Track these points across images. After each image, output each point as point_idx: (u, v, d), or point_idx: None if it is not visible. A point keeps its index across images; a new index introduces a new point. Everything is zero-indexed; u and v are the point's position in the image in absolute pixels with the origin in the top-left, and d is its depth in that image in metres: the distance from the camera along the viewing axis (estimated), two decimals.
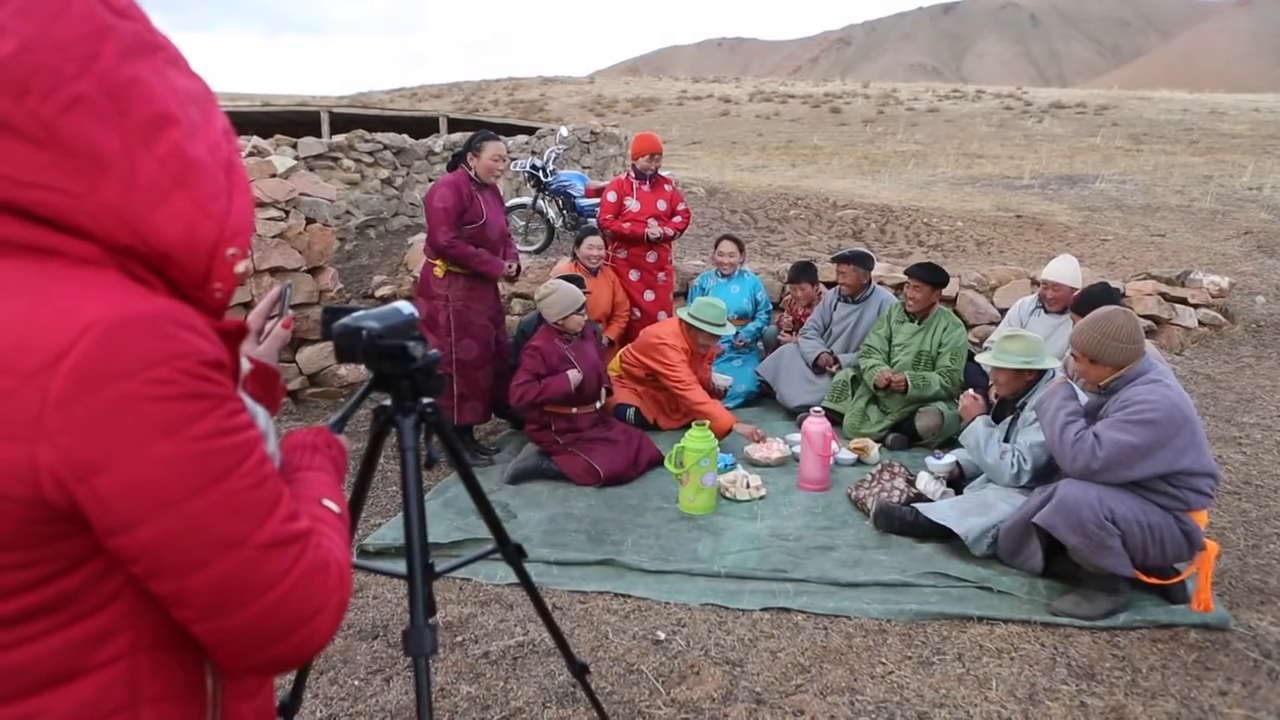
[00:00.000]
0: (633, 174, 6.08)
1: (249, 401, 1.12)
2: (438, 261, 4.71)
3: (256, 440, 0.84)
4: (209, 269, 0.86)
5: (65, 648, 0.80)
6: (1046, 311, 5.12)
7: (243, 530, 0.80)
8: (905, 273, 5.39)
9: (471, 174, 4.67)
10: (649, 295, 6.14)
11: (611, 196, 6.03)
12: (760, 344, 6.51)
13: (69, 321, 0.74)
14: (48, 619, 0.79)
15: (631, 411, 5.30)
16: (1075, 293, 5.06)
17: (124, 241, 0.80)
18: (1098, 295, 4.51)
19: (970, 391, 4.11)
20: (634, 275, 6.09)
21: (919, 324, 5.31)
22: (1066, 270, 5.07)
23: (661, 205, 6.06)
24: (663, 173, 6.20)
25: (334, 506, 1.03)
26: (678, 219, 6.15)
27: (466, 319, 4.74)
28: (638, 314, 6.10)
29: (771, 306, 6.68)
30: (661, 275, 6.19)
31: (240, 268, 0.89)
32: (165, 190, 0.81)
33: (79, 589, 0.80)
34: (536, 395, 4.50)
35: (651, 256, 6.10)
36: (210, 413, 0.79)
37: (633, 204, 6.00)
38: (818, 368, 5.78)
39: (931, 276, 5.22)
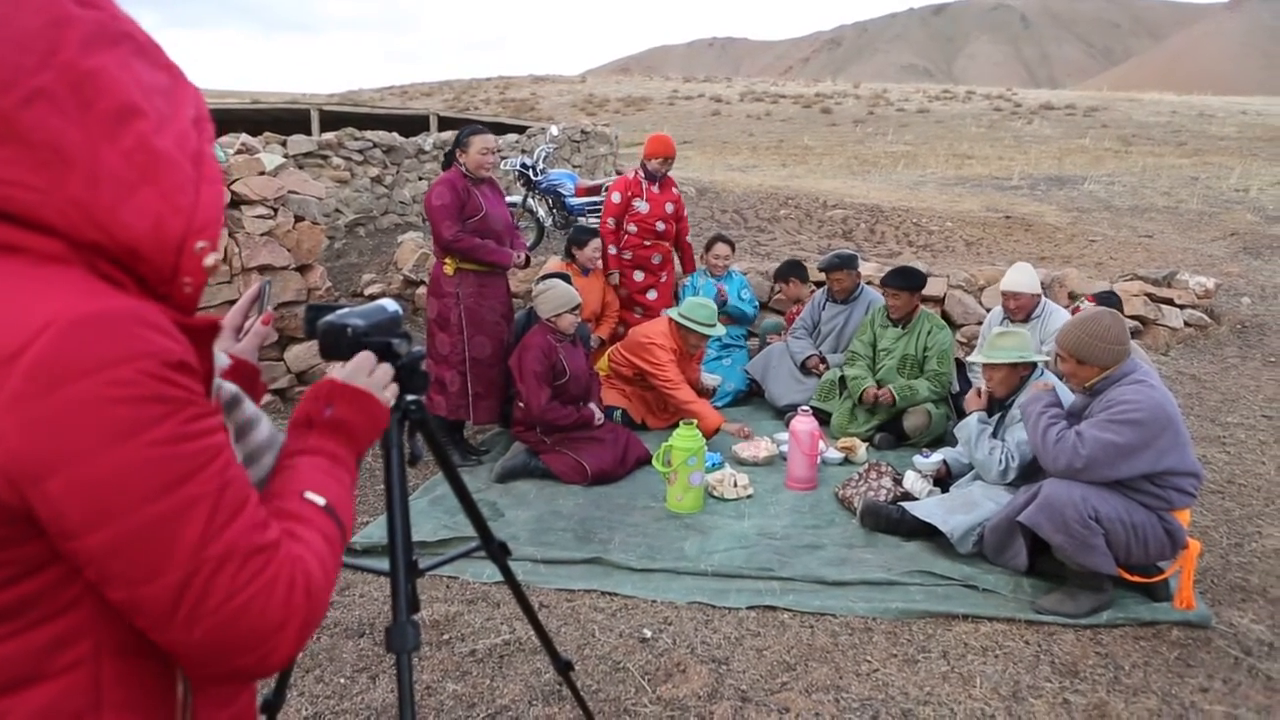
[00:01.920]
0: (642, 174, 6.06)
1: (251, 407, 1.10)
2: (447, 260, 4.69)
3: (220, 446, 0.82)
4: (177, 264, 0.84)
5: (24, 653, 0.78)
6: (1013, 321, 5.15)
7: (198, 541, 0.77)
8: (881, 282, 5.39)
9: (463, 170, 4.66)
10: (652, 294, 6.15)
11: (616, 197, 6.01)
12: (756, 340, 6.54)
13: (28, 319, 0.73)
14: (6, 624, 0.77)
15: (619, 413, 5.31)
16: (1036, 298, 5.10)
17: (89, 237, 0.79)
18: (1113, 305, 4.59)
19: (977, 387, 4.13)
20: (639, 275, 6.09)
21: (903, 328, 5.32)
22: (1024, 279, 5.11)
23: (669, 208, 6.08)
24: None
25: (318, 499, 0.97)
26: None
27: (479, 316, 4.73)
28: (639, 312, 6.10)
29: (759, 305, 6.70)
30: (664, 275, 6.23)
31: (209, 261, 0.87)
32: (130, 184, 0.79)
33: (38, 594, 0.78)
34: (566, 420, 4.55)
35: (656, 258, 6.11)
36: (169, 417, 0.76)
37: (641, 205, 5.99)
38: (806, 369, 5.80)
39: (908, 283, 5.23)
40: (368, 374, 1.19)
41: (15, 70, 0.74)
